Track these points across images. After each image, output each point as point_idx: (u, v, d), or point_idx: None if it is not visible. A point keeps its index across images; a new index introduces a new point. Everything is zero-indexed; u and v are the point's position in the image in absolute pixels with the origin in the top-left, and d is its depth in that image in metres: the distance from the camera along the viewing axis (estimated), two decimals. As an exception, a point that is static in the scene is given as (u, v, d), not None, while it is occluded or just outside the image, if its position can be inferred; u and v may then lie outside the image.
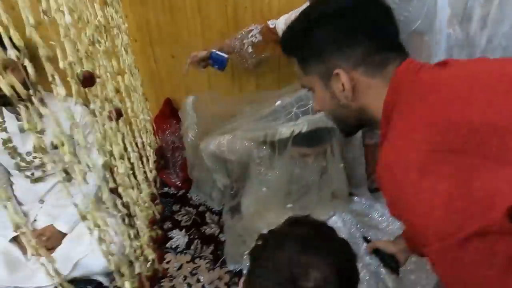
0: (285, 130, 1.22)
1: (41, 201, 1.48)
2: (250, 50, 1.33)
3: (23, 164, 1.40)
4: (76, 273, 1.33)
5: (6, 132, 1.36)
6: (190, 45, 1.50)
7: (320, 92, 0.68)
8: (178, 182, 1.73)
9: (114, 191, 0.98)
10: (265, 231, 0.65)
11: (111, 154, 0.89)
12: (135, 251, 1.01)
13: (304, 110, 1.22)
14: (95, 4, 0.90)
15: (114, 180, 0.97)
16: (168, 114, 1.61)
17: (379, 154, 0.58)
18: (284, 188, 1.39)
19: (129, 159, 1.03)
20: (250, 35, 1.33)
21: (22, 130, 1.35)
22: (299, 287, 0.53)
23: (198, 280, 1.33)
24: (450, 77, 0.55)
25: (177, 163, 1.70)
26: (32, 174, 1.43)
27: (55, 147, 1.43)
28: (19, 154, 1.39)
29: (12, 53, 0.59)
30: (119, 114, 0.91)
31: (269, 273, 0.56)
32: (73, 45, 0.67)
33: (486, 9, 1.04)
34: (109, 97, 0.90)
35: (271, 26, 1.31)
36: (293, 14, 1.30)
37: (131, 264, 0.97)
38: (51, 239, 1.39)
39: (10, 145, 1.37)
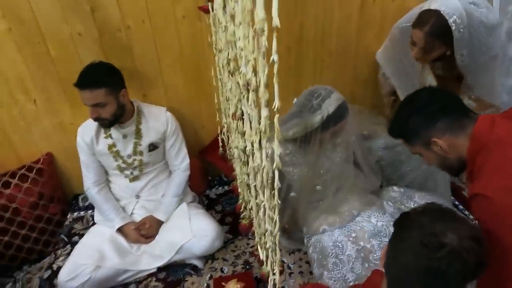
0: (319, 117, 1.37)
1: (137, 196, 1.71)
2: None
3: (123, 165, 1.63)
4: (178, 257, 1.55)
5: (111, 138, 1.59)
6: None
7: (426, 154, 1.05)
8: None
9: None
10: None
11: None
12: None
13: (321, 98, 1.37)
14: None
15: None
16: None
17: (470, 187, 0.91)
18: (311, 185, 1.54)
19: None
20: None
21: (124, 136, 1.59)
22: (439, 241, 0.69)
23: (283, 262, 1.55)
24: None
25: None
26: (131, 173, 1.66)
27: (151, 150, 1.68)
28: (121, 157, 1.62)
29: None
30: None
31: (414, 230, 0.72)
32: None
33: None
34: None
35: None
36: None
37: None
38: (151, 227, 1.62)
39: (115, 149, 1.60)
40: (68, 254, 1.63)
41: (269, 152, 0.73)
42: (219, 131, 1.77)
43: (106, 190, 1.67)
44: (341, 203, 1.58)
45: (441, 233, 0.70)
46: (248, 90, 0.81)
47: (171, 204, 1.66)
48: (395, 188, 1.71)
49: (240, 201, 1.43)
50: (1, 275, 1.76)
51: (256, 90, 0.73)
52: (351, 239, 1.46)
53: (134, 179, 1.68)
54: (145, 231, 1.62)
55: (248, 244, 1.66)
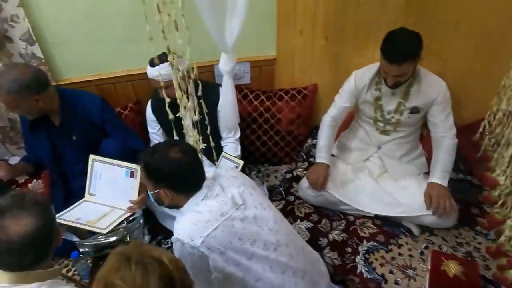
0: None
1: (379, 147, 1.84)
2: None
3: (380, 118, 1.76)
4: (401, 217, 1.65)
5: (380, 92, 1.71)
6: None
7: None
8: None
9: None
10: None
11: None
12: None
13: None
14: None
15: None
16: None
17: None
18: None
19: None
20: None
21: (393, 93, 1.67)
22: None
23: None
24: None
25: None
26: (383, 126, 1.78)
27: (412, 112, 1.70)
28: (382, 111, 1.74)
29: None
30: None
31: None
32: None
33: None
34: None
35: None
36: None
37: None
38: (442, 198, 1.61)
39: (379, 102, 1.73)
40: (305, 168, 1.98)
41: None
42: (486, 116, 1.65)
43: (335, 131, 1.86)
44: None
45: None
46: None
47: (446, 168, 1.63)
48: None
49: (497, 192, 1.35)
50: (252, 163, 2.29)
51: None
52: None
53: (383, 132, 1.80)
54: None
55: (474, 238, 1.59)
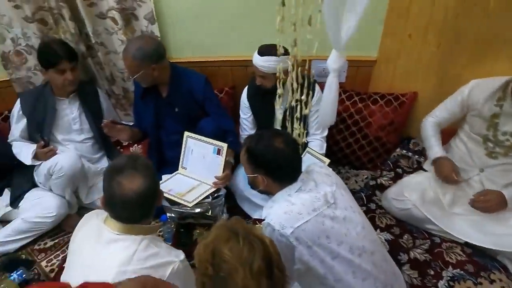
0: None
1: (481, 169, 1.67)
2: None
3: (492, 138, 1.59)
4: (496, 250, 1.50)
5: (500, 109, 1.54)
6: None
7: None
8: None
9: None
10: None
11: None
12: None
13: None
14: None
15: None
16: None
17: None
18: None
19: None
20: None
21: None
22: None
23: None
24: None
25: None
26: (493, 148, 1.61)
27: None
28: (496, 130, 1.57)
29: None
30: None
31: None
32: None
33: None
34: None
35: None
36: None
37: None
38: (488, 201, 1.57)
39: (496, 120, 1.57)
40: (391, 178, 1.89)
41: None
42: None
43: (438, 129, 1.74)
44: None
45: None
46: None
47: None
48: None
49: None
50: (332, 163, 2.24)
51: None
52: None
53: (491, 154, 1.63)
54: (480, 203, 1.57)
55: None
